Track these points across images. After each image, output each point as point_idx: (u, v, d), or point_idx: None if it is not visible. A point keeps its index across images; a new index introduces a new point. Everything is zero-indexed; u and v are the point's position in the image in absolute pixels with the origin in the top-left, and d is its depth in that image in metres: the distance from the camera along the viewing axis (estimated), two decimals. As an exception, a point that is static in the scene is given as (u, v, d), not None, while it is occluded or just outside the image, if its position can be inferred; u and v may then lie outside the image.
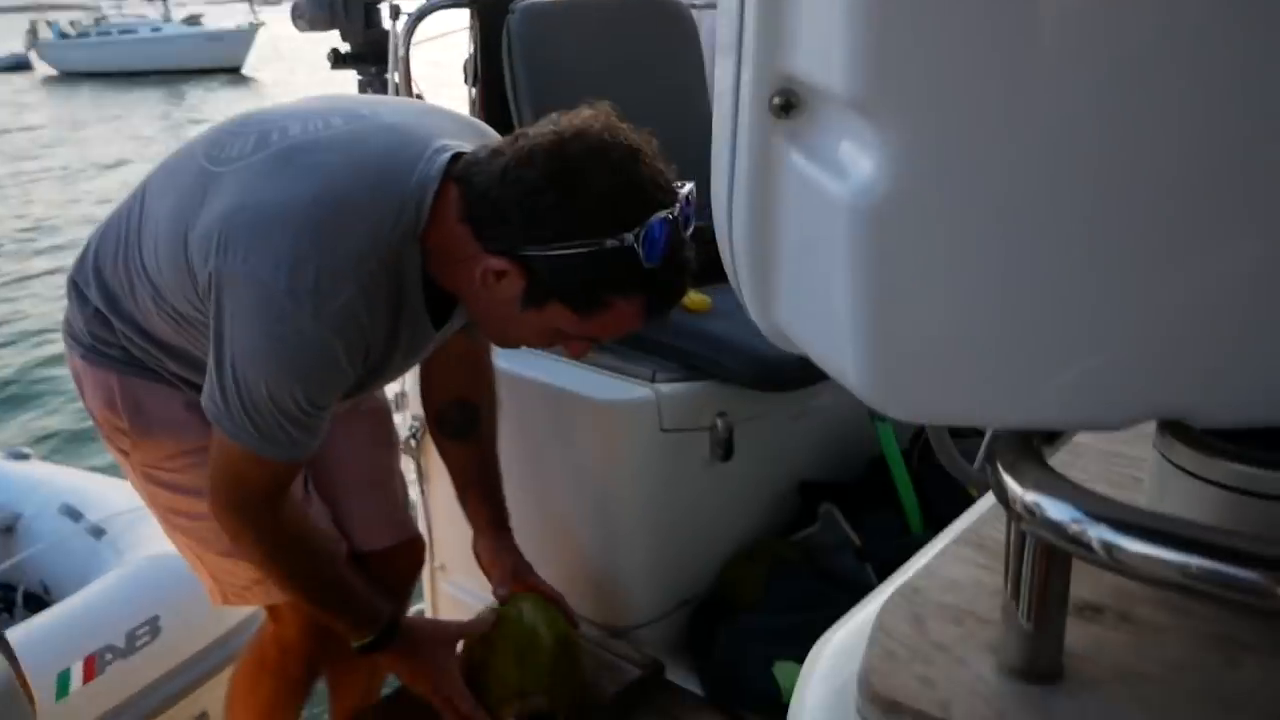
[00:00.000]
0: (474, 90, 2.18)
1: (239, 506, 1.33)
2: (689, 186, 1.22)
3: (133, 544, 2.71)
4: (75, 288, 1.46)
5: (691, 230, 1.22)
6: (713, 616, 1.81)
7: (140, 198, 1.39)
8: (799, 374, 1.74)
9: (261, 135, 1.27)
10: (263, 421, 1.23)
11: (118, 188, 12.00)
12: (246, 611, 2.48)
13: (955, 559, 0.59)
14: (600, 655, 1.69)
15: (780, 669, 1.59)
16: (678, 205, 1.18)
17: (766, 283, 0.52)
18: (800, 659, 1.63)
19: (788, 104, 0.45)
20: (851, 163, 0.42)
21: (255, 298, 1.18)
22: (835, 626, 0.59)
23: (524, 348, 1.51)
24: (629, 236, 1.13)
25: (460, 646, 1.56)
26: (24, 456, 3.34)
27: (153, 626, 2.26)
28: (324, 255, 1.17)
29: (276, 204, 1.19)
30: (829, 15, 0.40)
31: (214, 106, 19.15)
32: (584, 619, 1.77)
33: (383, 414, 1.78)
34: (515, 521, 1.66)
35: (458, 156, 1.25)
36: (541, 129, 1.18)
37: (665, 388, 1.70)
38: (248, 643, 1.80)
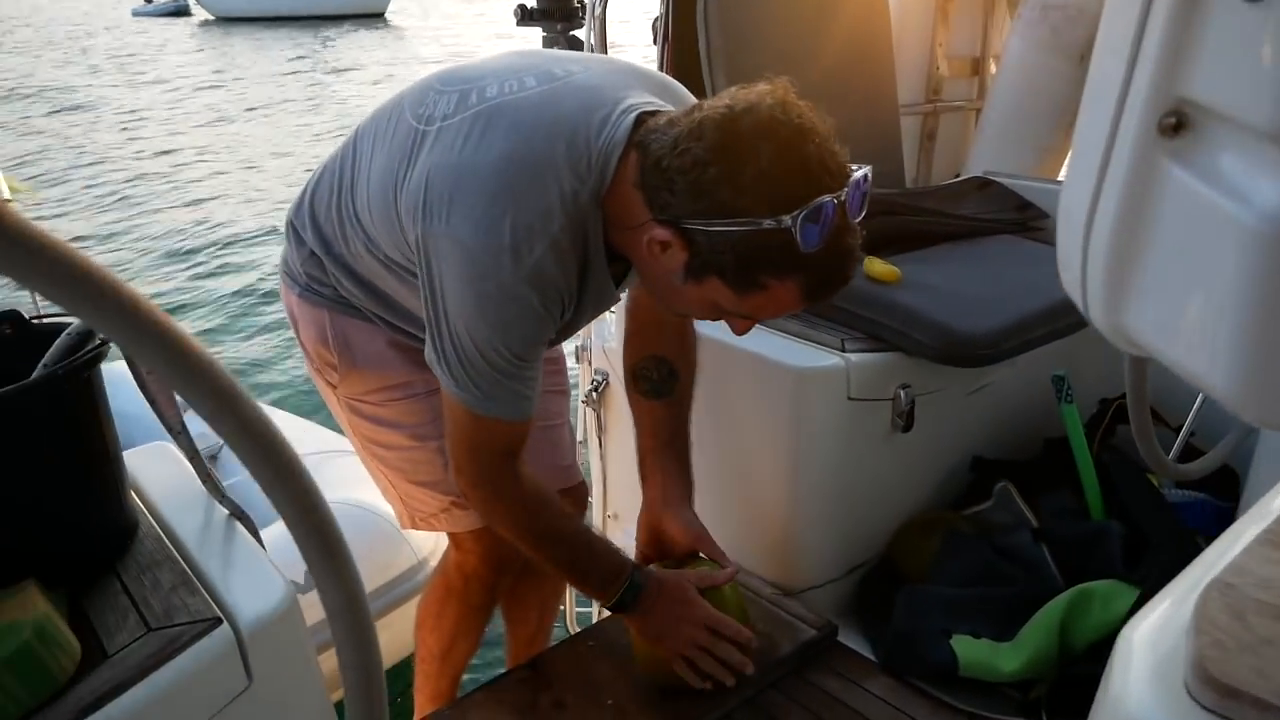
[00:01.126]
0: (661, 49, 2.22)
1: (480, 479, 1.40)
2: (863, 171, 1.20)
3: (321, 483, 2.89)
4: (293, 229, 1.56)
5: (862, 216, 1.20)
6: (884, 583, 1.84)
7: (353, 146, 1.47)
8: (986, 352, 1.75)
9: (462, 95, 1.32)
10: (480, 378, 1.29)
11: (270, 131, 12.55)
12: (413, 560, 2.64)
13: (1264, 559, 0.61)
14: (776, 614, 1.74)
15: (959, 642, 1.61)
16: (846, 190, 1.16)
17: (1121, 286, 0.54)
18: (977, 633, 1.66)
19: (1179, 124, 0.47)
20: (1254, 188, 0.44)
21: (458, 257, 1.24)
22: (1138, 617, 0.62)
23: None
24: (787, 219, 1.12)
25: None
26: None
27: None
28: (517, 215, 1.22)
29: (474, 166, 1.25)
30: (1251, 50, 0.42)
31: (359, 50, 19.72)
32: (759, 578, 1.83)
33: (557, 362, 1.85)
34: (700, 482, 1.70)
35: (643, 118, 1.27)
36: (716, 102, 1.18)
37: (854, 357, 1.72)
38: (434, 570, 1.91)
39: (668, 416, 1.67)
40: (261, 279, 7.28)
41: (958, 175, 2.64)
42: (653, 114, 1.27)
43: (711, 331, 1.80)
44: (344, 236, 1.46)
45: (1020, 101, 2.58)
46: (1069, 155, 0.57)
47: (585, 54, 2.19)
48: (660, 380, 1.67)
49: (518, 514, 1.44)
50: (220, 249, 8.19)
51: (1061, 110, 2.55)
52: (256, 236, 8.34)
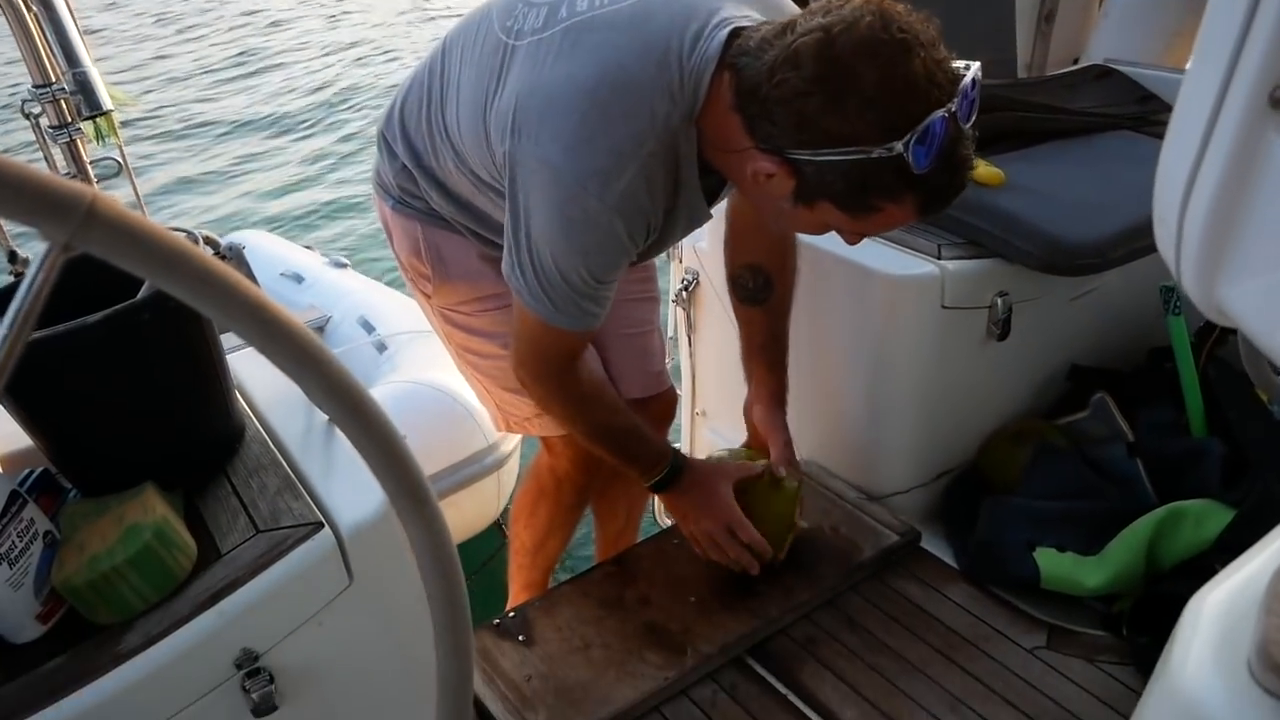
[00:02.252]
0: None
1: (542, 376, 1.45)
2: (972, 72, 1.13)
3: (403, 364, 3.02)
4: (384, 141, 1.56)
5: (973, 120, 1.14)
6: (970, 491, 1.84)
7: (441, 57, 1.45)
8: (1090, 261, 1.68)
9: (551, 8, 1.28)
10: (555, 294, 1.30)
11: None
12: (484, 443, 2.73)
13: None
14: (859, 518, 1.76)
15: (1043, 554, 1.61)
16: (956, 99, 1.10)
17: (1217, 256, 0.52)
18: (1062, 547, 1.66)
19: (1292, 98, 0.44)
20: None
21: (545, 180, 1.23)
22: (1210, 585, 0.61)
23: None
24: (898, 145, 1.07)
25: None
26: (342, 265, 3.80)
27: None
28: (608, 138, 1.19)
29: (564, 86, 1.21)
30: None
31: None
32: (844, 481, 1.84)
33: (647, 269, 1.85)
34: (792, 379, 1.71)
35: (736, 33, 1.21)
36: (809, 23, 1.11)
37: (950, 265, 1.68)
38: (528, 469, 1.97)
39: (762, 322, 1.69)
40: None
41: (1076, 62, 2.50)
42: (746, 28, 1.22)
43: (807, 237, 1.78)
44: (434, 150, 1.46)
45: (1148, -19, 2.41)
46: (1174, 112, 0.54)
47: None
48: (756, 289, 1.66)
49: (573, 410, 1.50)
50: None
51: (1192, -8, 2.37)
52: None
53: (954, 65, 1.12)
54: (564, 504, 1.91)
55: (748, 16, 1.25)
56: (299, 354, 0.56)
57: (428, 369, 2.89)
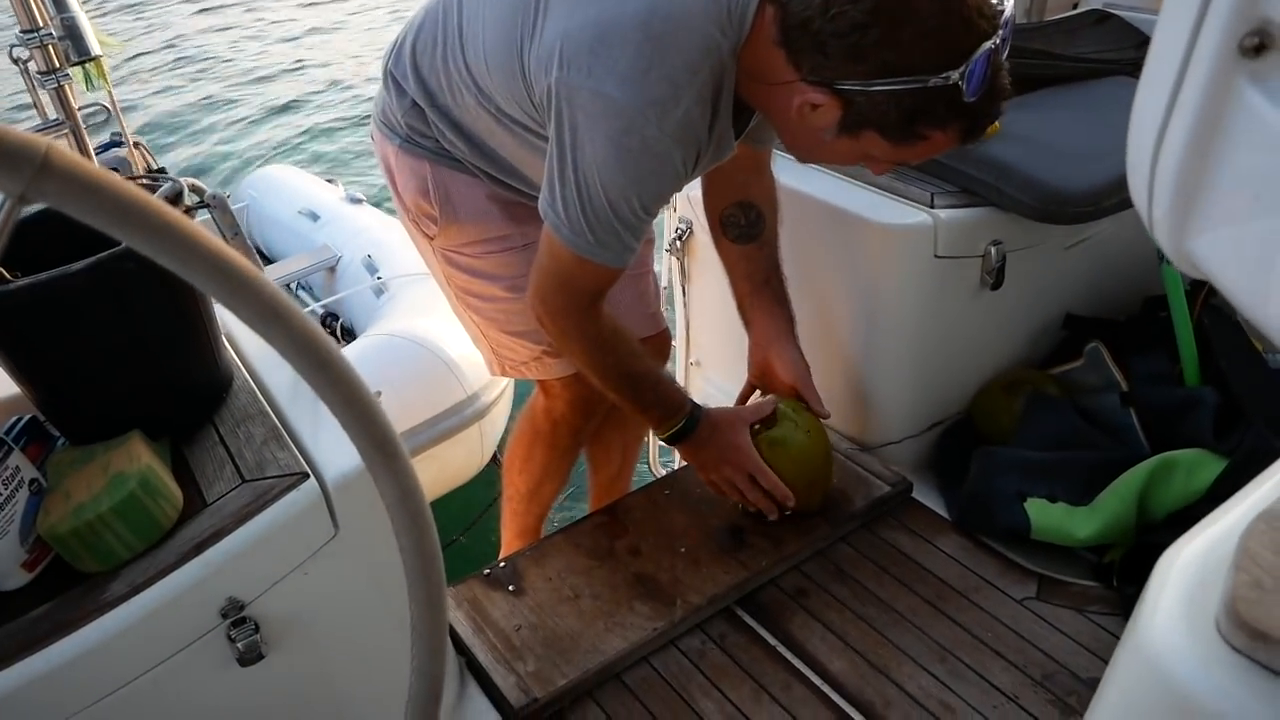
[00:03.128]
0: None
1: (565, 311, 1.42)
2: (1010, 7, 1.17)
3: (395, 311, 3.02)
4: (392, 79, 1.54)
5: (1007, 51, 1.19)
6: (962, 442, 1.84)
7: None
8: (1084, 209, 1.66)
9: None
10: (599, 227, 1.30)
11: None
12: (462, 395, 2.73)
13: (1323, 488, 0.59)
14: (851, 468, 1.77)
15: (1033, 505, 1.61)
16: (1000, 30, 1.15)
17: (1188, 211, 0.51)
18: (1053, 497, 1.66)
19: (1262, 45, 0.43)
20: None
21: (600, 110, 1.22)
22: (1185, 539, 0.60)
23: (780, 154, 1.55)
24: (954, 75, 1.12)
25: None
26: (358, 201, 3.81)
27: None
28: (663, 67, 1.20)
29: (615, 19, 1.21)
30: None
31: None
32: (837, 431, 1.84)
33: None
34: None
35: None
36: None
37: (943, 214, 1.67)
38: (522, 414, 1.98)
39: (760, 257, 1.68)
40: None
41: (1075, 6, 2.45)
42: None
43: (796, 184, 1.77)
44: (450, 88, 1.45)
45: (1151, -77, 2.35)
46: (1146, 61, 0.53)
47: None
48: (748, 224, 1.65)
49: (592, 350, 1.48)
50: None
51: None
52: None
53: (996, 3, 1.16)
54: (559, 447, 1.92)
55: None
56: (263, 309, 0.56)
57: (417, 317, 2.89)
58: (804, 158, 1.38)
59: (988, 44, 1.12)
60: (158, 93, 8.88)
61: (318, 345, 0.58)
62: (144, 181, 1.32)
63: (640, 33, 1.20)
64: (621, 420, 2.01)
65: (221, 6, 11.61)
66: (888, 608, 1.53)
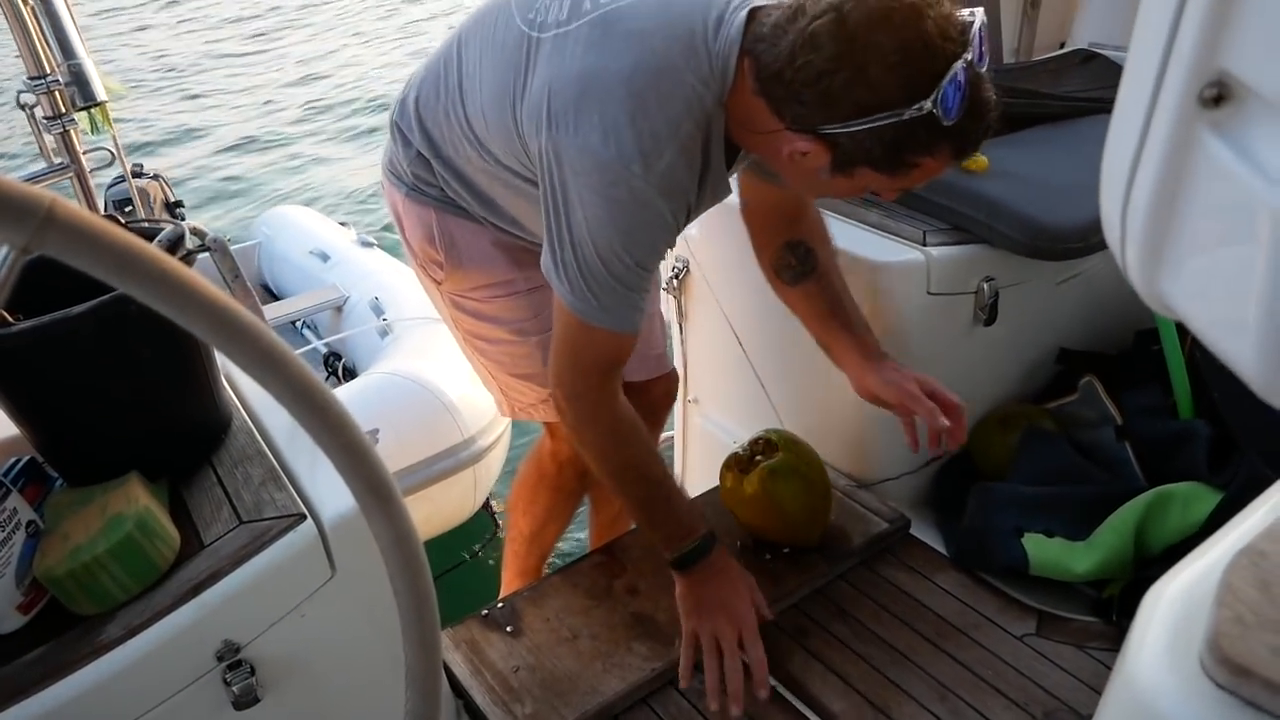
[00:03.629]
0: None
1: (581, 393, 1.40)
2: (978, 21, 1.17)
3: (398, 352, 3.04)
4: (399, 131, 1.57)
5: (987, 63, 1.19)
6: (959, 477, 1.84)
7: (457, 49, 1.45)
8: (1074, 245, 1.68)
9: (575, 0, 1.30)
10: (598, 287, 1.30)
11: None
12: (459, 437, 2.74)
13: (1303, 523, 0.60)
14: (849, 505, 1.77)
15: (1031, 540, 1.61)
16: (971, 47, 1.14)
17: (1158, 255, 0.52)
18: (1051, 532, 1.65)
19: (1220, 96, 0.45)
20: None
21: (587, 166, 1.24)
22: (1170, 574, 0.61)
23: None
24: (926, 103, 1.12)
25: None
26: (369, 245, 3.87)
27: (371, 438, 2.61)
28: (647, 121, 1.22)
29: (598, 76, 1.23)
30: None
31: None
32: (834, 468, 1.85)
33: None
34: (778, 370, 1.71)
35: (753, 13, 1.24)
36: (819, 5, 1.15)
37: (935, 251, 1.68)
38: (527, 456, 1.98)
39: (818, 292, 1.63)
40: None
41: (1062, 46, 2.49)
42: (761, 8, 1.25)
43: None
44: (452, 140, 1.47)
45: (1137, -36, 2.39)
46: (1115, 107, 0.55)
47: None
48: (799, 263, 1.63)
49: (607, 437, 1.43)
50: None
51: (1182, -26, 2.35)
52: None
53: (960, 16, 1.16)
54: (564, 490, 1.92)
55: None
56: (260, 355, 0.57)
57: (419, 358, 2.91)
58: (810, 197, 1.40)
59: (957, 64, 1.12)
60: (178, 126, 9.04)
61: (313, 390, 0.59)
62: (144, 225, 1.33)
63: (624, 88, 1.22)
64: None
65: (259, 41, 11.82)
66: (888, 646, 1.53)
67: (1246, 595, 0.55)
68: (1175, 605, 0.59)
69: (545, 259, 1.34)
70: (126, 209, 3.45)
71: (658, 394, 1.90)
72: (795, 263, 1.63)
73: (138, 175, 3.90)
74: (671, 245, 1.35)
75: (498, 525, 3.11)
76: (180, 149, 8.58)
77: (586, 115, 1.23)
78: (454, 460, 2.73)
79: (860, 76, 1.13)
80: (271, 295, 4.15)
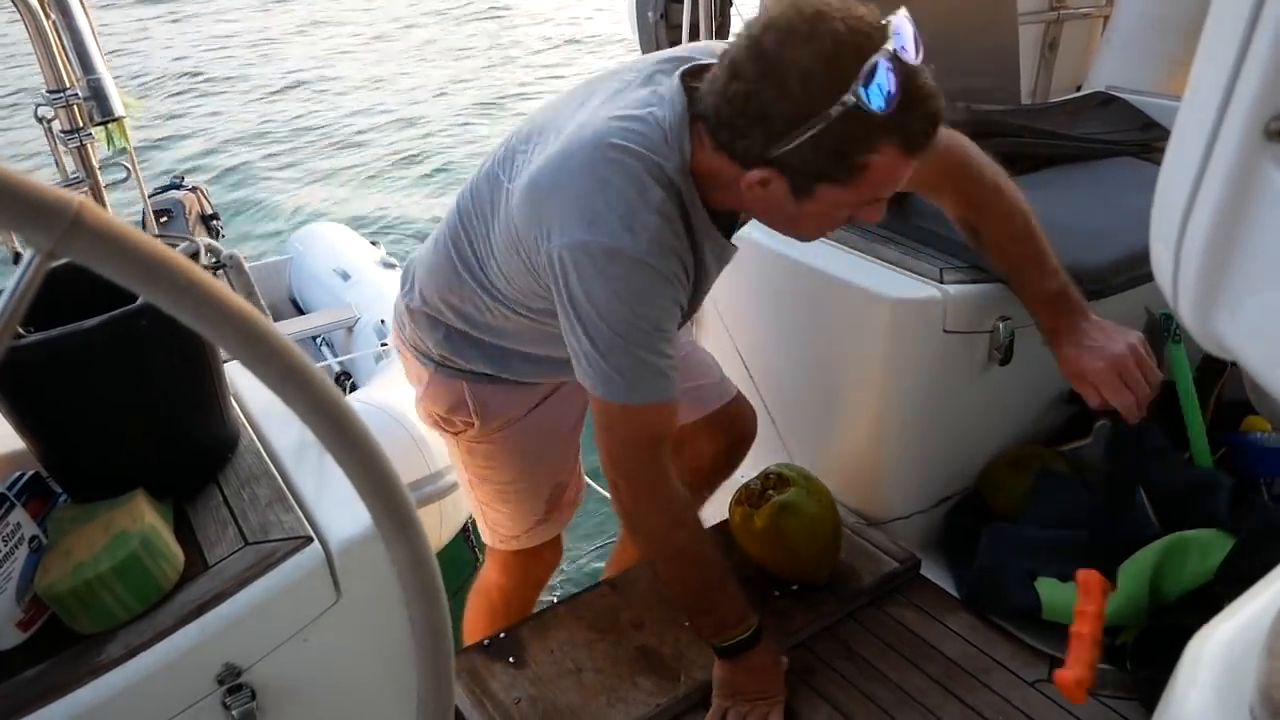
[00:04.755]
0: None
1: (635, 472, 1.38)
2: (899, 15, 1.17)
3: (384, 380, 3.05)
4: (425, 318, 1.61)
5: (921, 55, 1.18)
6: (971, 518, 1.82)
7: (458, 224, 1.51)
8: (1091, 286, 1.67)
9: (541, 140, 1.37)
10: (625, 366, 1.30)
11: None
12: (426, 470, 2.79)
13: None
14: (858, 543, 1.75)
15: (1044, 584, 1.59)
16: (890, 41, 1.14)
17: (1214, 291, 0.51)
18: (1064, 576, 1.63)
19: (1288, 130, 0.44)
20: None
21: (581, 255, 1.26)
22: (1214, 623, 0.59)
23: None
24: (849, 97, 1.12)
25: None
26: (391, 266, 3.90)
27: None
28: (616, 197, 1.25)
29: (558, 178, 1.29)
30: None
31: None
32: (844, 506, 1.83)
33: None
34: (789, 405, 1.69)
35: (690, 85, 1.29)
36: (738, 40, 1.20)
37: (953, 289, 1.67)
38: (474, 589, 2.02)
39: (997, 261, 1.64)
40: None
41: (1079, 89, 2.50)
42: (696, 73, 1.30)
43: (805, 258, 1.78)
44: (488, 308, 1.52)
45: (1152, 10, 2.41)
46: (1169, 145, 0.53)
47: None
48: (973, 237, 1.63)
49: (664, 514, 1.41)
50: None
51: (1194, 21, 2.36)
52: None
53: (876, 18, 1.16)
54: (516, 613, 1.93)
55: (690, 58, 1.34)
56: (284, 370, 0.56)
57: (399, 388, 2.91)
58: (795, 236, 1.39)
59: (876, 56, 1.12)
60: (222, 139, 9.20)
61: (337, 409, 0.58)
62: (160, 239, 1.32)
63: (584, 179, 1.26)
64: None
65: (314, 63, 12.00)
66: (896, 687, 1.50)
67: (1297, 646, 0.53)
68: (1219, 655, 0.57)
69: (575, 365, 1.35)
70: (161, 219, 3.48)
71: (723, 423, 1.91)
72: (970, 236, 1.64)
73: (177, 187, 3.98)
74: (682, 305, 1.35)
75: (478, 559, 3.11)
76: (227, 158, 8.77)
77: (559, 215, 1.27)
78: (420, 494, 2.74)
79: (783, 90, 1.15)
80: (299, 311, 4.20)
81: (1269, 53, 0.43)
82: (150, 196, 3.70)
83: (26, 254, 0.48)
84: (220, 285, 0.53)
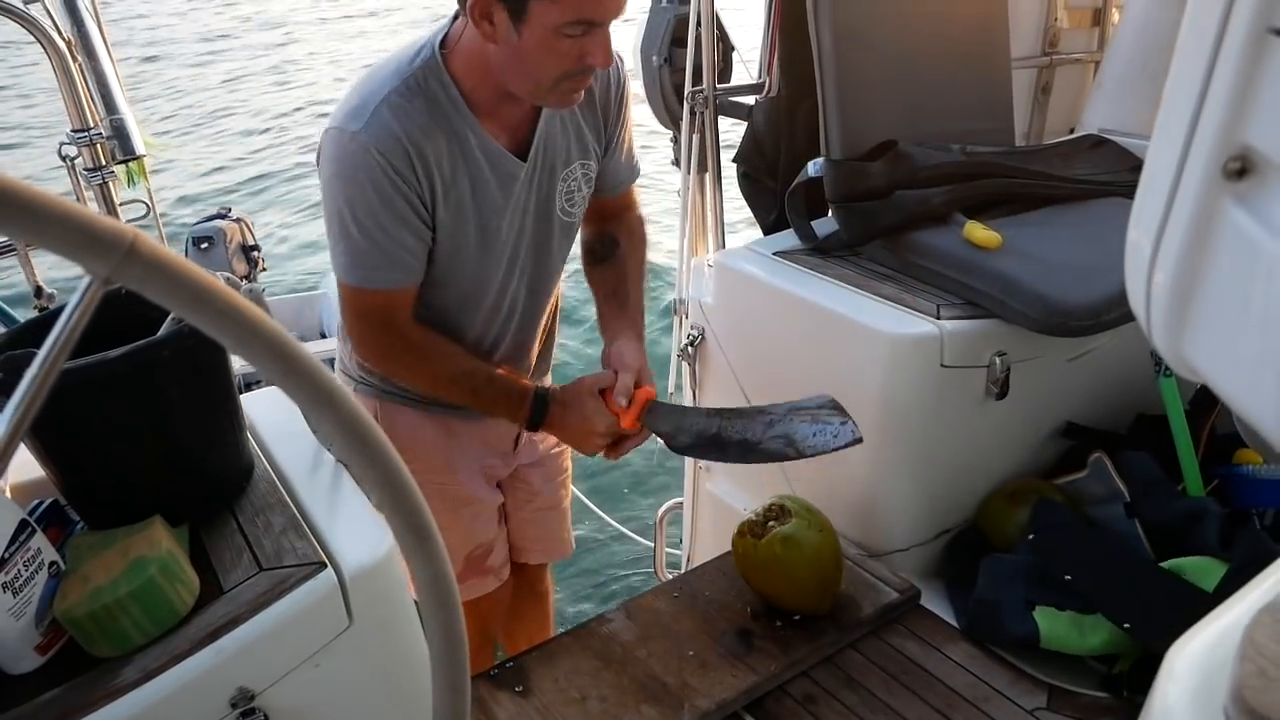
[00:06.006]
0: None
1: (373, 338, 1.60)
2: None
3: None
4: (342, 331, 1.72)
5: None
6: (969, 550, 1.85)
7: None
8: (1085, 323, 1.71)
9: None
10: (354, 249, 1.48)
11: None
12: None
13: (1324, 583, 0.61)
14: (859, 574, 1.77)
15: (1043, 614, 1.61)
16: None
17: (1182, 320, 0.55)
18: (1062, 605, 1.66)
19: (1244, 169, 0.48)
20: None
21: (325, 139, 1.47)
22: (1188, 635, 0.62)
23: (789, 263, 1.70)
24: None
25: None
26: None
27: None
28: (358, 98, 1.45)
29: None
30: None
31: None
32: (845, 538, 1.85)
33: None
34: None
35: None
36: None
37: (949, 324, 1.71)
38: None
39: (610, 274, 1.81)
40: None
41: (1072, 131, 2.55)
42: None
43: (805, 293, 1.82)
44: None
45: (1142, 55, 2.46)
46: (1140, 181, 0.58)
47: None
48: (604, 250, 1.82)
49: (413, 359, 1.61)
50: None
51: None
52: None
53: None
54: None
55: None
56: (315, 390, 0.59)
57: None
58: (536, 89, 1.46)
59: None
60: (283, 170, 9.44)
61: (363, 429, 0.61)
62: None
63: (350, 91, 1.48)
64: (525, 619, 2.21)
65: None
66: (897, 716, 1.52)
67: (1270, 650, 0.56)
68: (1196, 663, 0.60)
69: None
70: (201, 246, 3.59)
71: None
72: (600, 249, 1.82)
73: (223, 217, 4.09)
74: (414, 206, 1.48)
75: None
76: (275, 195, 9.02)
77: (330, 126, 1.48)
78: None
79: None
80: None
81: (1226, 96, 0.47)
82: (195, 225, 3.92)
83: (83, 280, 0.51)
84: (257, 310, 0.57)
